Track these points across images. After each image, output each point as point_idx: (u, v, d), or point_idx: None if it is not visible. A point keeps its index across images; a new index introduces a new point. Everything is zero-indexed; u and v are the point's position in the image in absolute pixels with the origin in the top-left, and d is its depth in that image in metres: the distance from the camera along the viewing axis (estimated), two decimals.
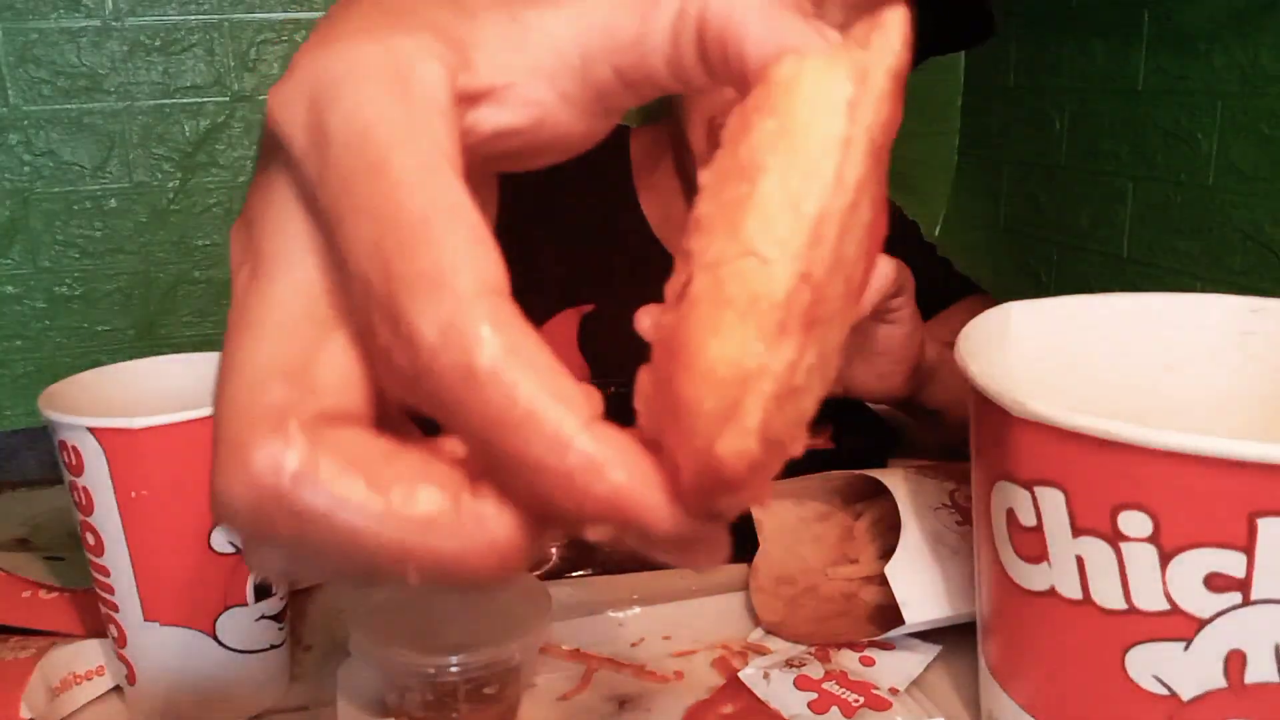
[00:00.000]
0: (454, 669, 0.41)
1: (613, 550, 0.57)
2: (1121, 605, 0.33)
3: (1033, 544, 0.35)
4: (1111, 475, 0.32)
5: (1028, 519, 0.35)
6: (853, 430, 0.66)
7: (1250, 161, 1.00)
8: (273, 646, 0.45)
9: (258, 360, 0.19)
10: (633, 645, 0.50)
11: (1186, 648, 0.32)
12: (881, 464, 0.58)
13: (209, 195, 1.25)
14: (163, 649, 0.43)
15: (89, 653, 0.46)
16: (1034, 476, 0.34)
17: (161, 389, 0.47)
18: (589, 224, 0.88)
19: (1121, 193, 1.18)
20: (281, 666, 0.47)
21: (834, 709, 0.43)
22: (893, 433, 0.60)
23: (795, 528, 0.55)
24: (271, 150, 0.20)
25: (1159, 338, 0.45)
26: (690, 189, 0.88)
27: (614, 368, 0.81)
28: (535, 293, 0.84)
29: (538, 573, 0.56)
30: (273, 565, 0.20)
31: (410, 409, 0.20)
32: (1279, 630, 0.31)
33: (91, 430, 0.39)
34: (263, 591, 0.44)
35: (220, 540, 0.42)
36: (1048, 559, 0.35)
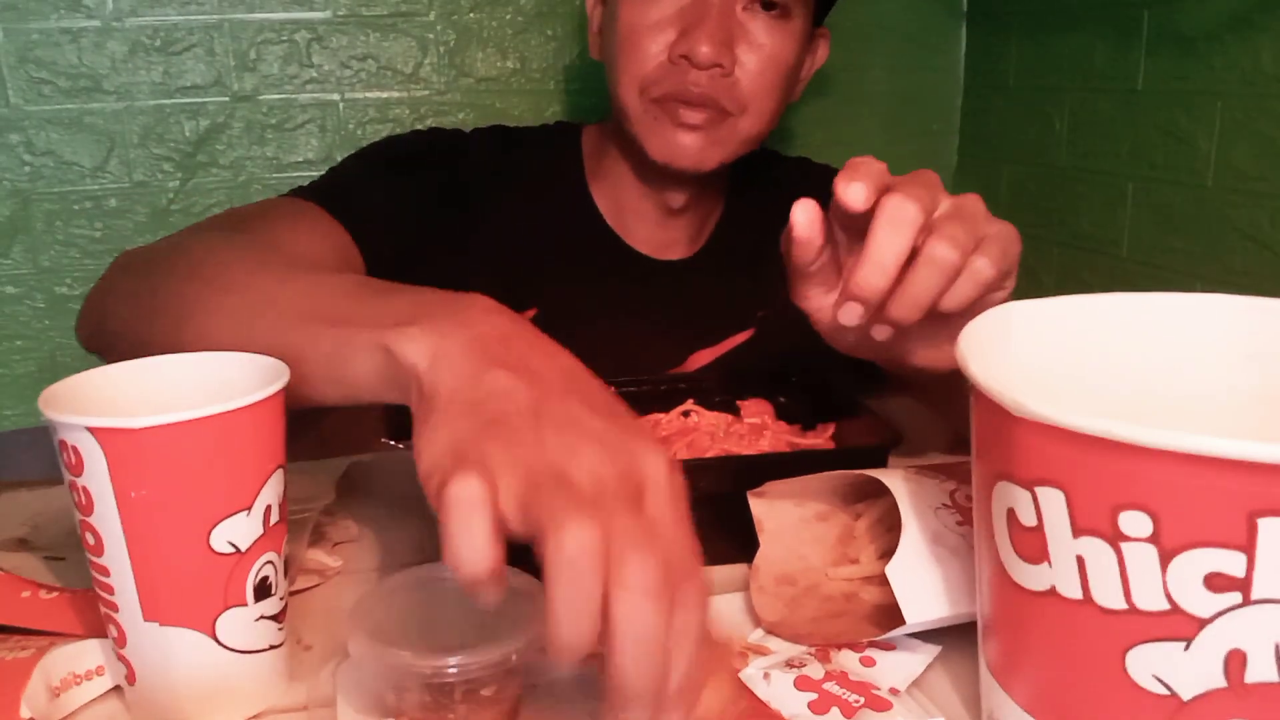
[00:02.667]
0: (452, 670, 0.41)
1: None
2: (1122, 605, 0.33)
3: (1033, 544, 0.35)
4: (1112, 475, 0.32)
5: (1028, 519, 0.35)
6: (853, 430, 0.66)
7: (1250, 161, 1.00)
8: (272, 646, 0.45)
9: None
10: None
11: (1187, 648, 0.32)
12: (881, 464, 0.58)
13: (209, 195, 1.25)
14: (163, 649, 0.43)
15: (89, 653, 0.46)
16: (1034, 476, 0.34)
17: (161, 389, 0.47)
18: (545, 225, 0.88)
19: (1121, 193, 1.18)
20: (281, 666, 0.47)
21: (834, 709, 0.43)
22: (893, 433, 0.60)
23: (795, 528, 0.55)
24: None
25: (1159, 338, 0.45)
26: (642, 173, 0.89)
27: None
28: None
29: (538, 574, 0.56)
30: None
31: None
32: (1279, 630, 0.31)
33: (91, 430, 0.39)
34: (263, 591, 0.44)
35: (220, 540, 0.42)
36: (1048, 559, 0.35)
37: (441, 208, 0.86)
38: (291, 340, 0.49)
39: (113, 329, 0.66)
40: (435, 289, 0.48)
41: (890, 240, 0.49)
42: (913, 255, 0.50)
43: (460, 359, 0.42)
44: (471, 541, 0.35)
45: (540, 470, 0.37)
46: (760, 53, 0.80)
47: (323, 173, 0.88)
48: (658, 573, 0.34)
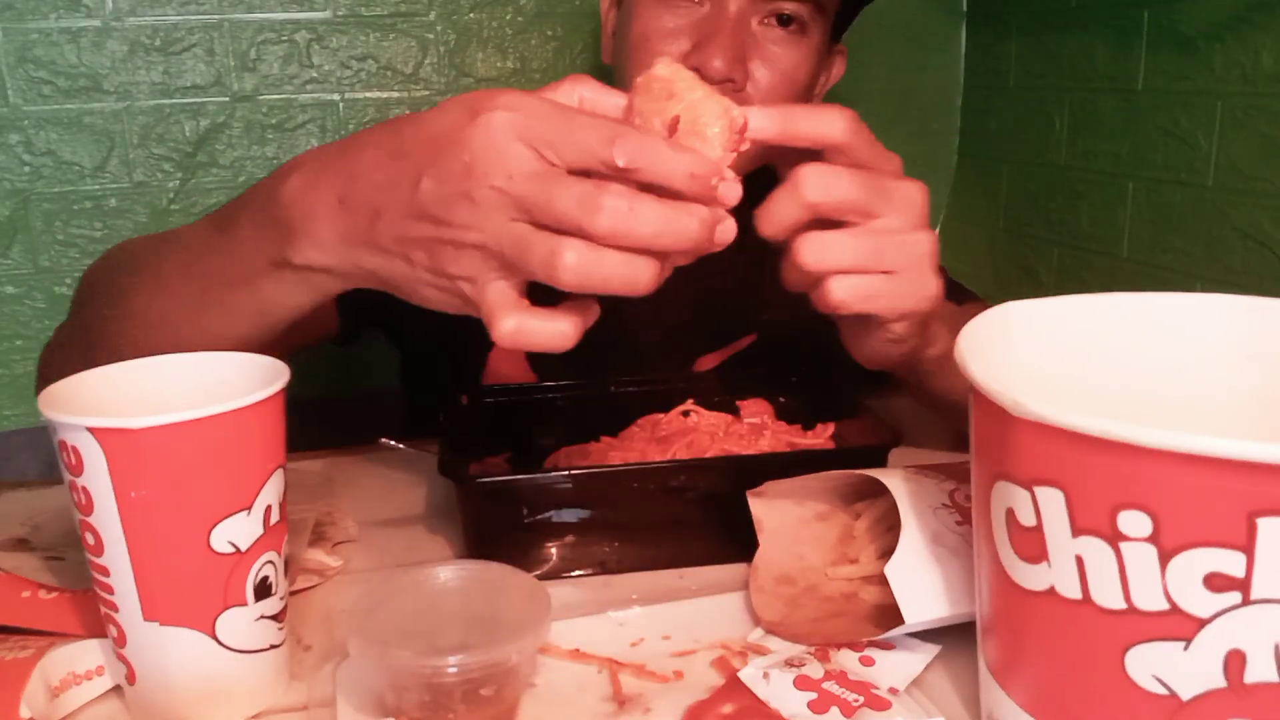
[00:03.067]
0: (451, 670, 0.41)
1: (612, 550, 0.57)
2: (1121, 605, 0.33)
3: (1032, 544, 0.35)
4: (1111, 475, 0.32)
5: (1027, 519, 0.35)
6: (853, 430, 0.66)
7: (1250, 161, 1.00)
8: (272, 646, 0.45)
9: None
10: (633, 645, 0.50)
11: (1186, 647, 0.32)
12: (881, 464, 0.58)
13: (209, 195, 1.25)
14: (163, 649, 0.43)
15: (89, 653, 0.46)
16: (1034, 476, 0.34)
17: (161, 389, 0.47)
18: None
19: (1121, 193, 1.18)
20: (281, 666, 0.47)
21: (833, 709, 0.43)
22: (893, 433, 0.60)
23: (795, 528, 0.55)
24: None
25: (1159, 338, 0.45)
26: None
27: (562, 373, 0.81)
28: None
29: (537, 573, 0.56)
30: None
31: None
32: (1279, 630, 0.31)
33: (91, 430, 0.39)
34: (263, 591, 0.44)
35: (220, 540, 0.42)
36: (1047, 559, 0.35)
37: None
38: (207, 318, 0.56)
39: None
40: (255, 194, 0.54)
41: (787, 196, 0.51)
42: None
43: (360, 238, 0.47)
44: (542, 341, 0.45)
45: (501, 241, 0.44)
46: (774, 69, 0.79)
47: None
48: (573, 194, 0.42)
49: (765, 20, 0.78)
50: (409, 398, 1.00)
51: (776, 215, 0.51)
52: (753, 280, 0.92)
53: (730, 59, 0.76)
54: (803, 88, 0.82)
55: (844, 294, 0.52)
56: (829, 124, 0.50)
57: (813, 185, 0.50)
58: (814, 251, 0.52)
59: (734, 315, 0.91)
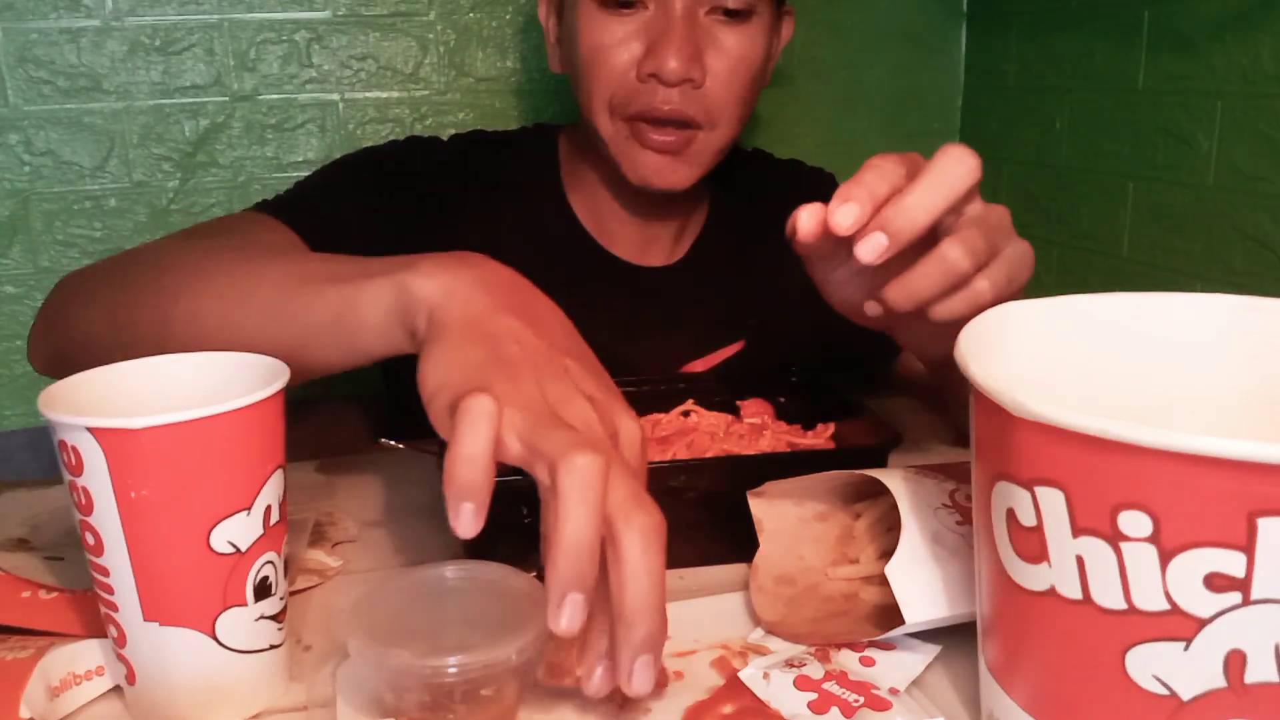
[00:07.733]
0: (451, 670, 0.41)
1: None
2: (1121, 605, 0.33)
3: (1033, 544, 0.35)
4: (1111, 475, 0.32)
5: (1028, 519, 0.35)
6: (853, 430, 0.66)
7: (1250, 161, 1.00)
8: (272, 646, 0.45)
9: None
10: None
11: (1186, 648, 0.32)
12: (881, 464, 0.58)
13: (209, 195, 1.25)
14: (162, 649, 0.43)
15: (89, 653, 0.46)
16: (1034, 476, 0.34)
17: (161, 389, 0.47)
18: (523, 232, 0.86)
19: (1121, 193, 1.18)
20: (281, 666, 0.47)
21: (834, 709, 0.43)
22: (893, 433, 0.60)
23: (795, 528, 0.55)
24: None
25: (1159, 338, 0.45)
26: (619, 184, 0.85)
27: None
28: None
29: (537, 573, 0.56)
30: None
31: None
32: (1279, 630, 0.31)
33: (91, 430, 0.39)
34: (262, 591, 0.44)
35: (220, 540, 0.42)
36: (1048, 559, 0.35)
37: (418, 219, 0.84)
38: (291, 305, 0.52)
39: (82, 338, 0.64)
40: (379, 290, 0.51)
41: (932, 189, 0.49)
42: (929, 243, 0.50)
43: (472, 294, 0.46)
44: (476, 445, 0.39)
45: (540, 410, 0.42)
46: (728, 60, 0.78)
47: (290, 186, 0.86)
48: (645, 502, 0.42)
49: (712, 12, 0.78)
50: (392, 401, 1.00)
51: (933, 203, 0.50)
52: (741, 286, 0.92)
53: (685, 59, 0.75)
54: (758, 72, 0.82)
55: (990, 293, 0.50)
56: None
57: (967, 169, 0.51)
58: (962, 256, 0.49)
59: (721, 321, 0.90)
